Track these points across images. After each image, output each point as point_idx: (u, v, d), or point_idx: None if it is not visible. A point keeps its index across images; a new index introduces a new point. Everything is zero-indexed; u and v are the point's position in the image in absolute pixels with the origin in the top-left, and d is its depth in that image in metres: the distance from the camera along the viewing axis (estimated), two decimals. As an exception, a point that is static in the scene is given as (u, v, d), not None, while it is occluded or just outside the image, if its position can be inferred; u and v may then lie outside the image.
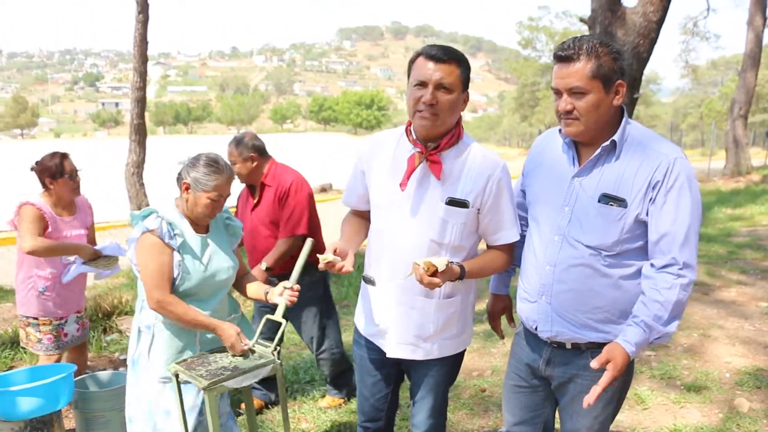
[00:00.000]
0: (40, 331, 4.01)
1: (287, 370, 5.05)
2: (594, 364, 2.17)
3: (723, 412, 4.22)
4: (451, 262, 2.35)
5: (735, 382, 4.67)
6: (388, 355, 2.65)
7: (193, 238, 2.87)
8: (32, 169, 3.95)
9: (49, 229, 3.89)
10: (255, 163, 4.12)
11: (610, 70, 2.18)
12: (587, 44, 2.17)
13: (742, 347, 5.38)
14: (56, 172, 3.89)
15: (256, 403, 4.32)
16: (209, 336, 2.89)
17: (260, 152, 4.16)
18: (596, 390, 2.14)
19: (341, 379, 4.47)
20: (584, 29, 7.22)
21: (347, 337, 5.85)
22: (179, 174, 2.85)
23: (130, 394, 2.96)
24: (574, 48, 2.18)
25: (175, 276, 2.80)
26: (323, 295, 4.29)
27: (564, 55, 2.20)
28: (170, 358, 2.84)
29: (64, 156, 3.97)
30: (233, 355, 2.75)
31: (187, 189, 2.82)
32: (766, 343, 5.43)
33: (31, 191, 4.00)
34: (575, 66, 2.17)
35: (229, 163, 2.96)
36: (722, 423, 4.07)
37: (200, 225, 2.94)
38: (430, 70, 2.35)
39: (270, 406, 4.44)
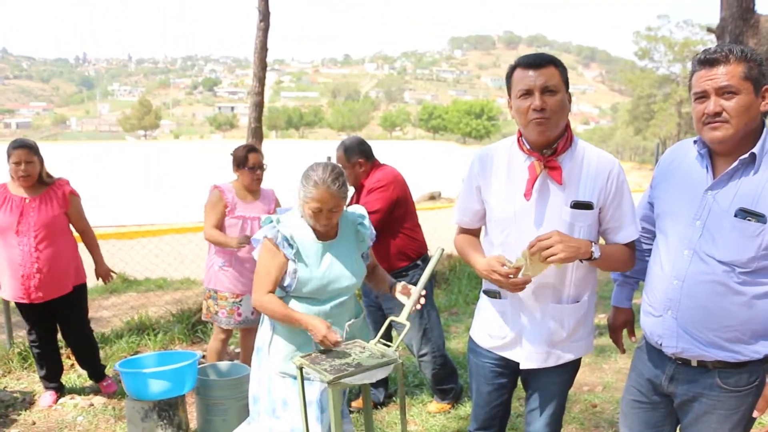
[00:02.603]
0: (218, 305, 4.51)
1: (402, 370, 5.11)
2: (756, 414, 2.23)
3: None
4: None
5: None
6: (522, 367, 2.67)
7: (312, 246, 2.93)
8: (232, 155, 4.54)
9: (228, 208, 4.41)
10: (362, 168, 4.22)
11: (759, 74, 2.14)
12: (735, 49, 2.14)
13: None
14: (240, 162, 4.46)
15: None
16: None
17: (367, 156, 4.24)
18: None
19: (446, 384, 4.49)
20: (708, 39, 6.95)
21: (456, 344, 5.89)
22: (299, 194, 2.92)
23: (253, 377, 3.13)
24: (723, 52, 2.15)
25: (288, 283, 2.91)
26: (425, 299, 4.30)
27: (712, 59, 2.16)
28: (288, 355, 2.96)
29: (250, 149, 4.48)
30: (359, 352, 2.82)
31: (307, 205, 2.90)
32: None
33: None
34: (726, 67, 2.14)
35: (339, 176, 2.87)
36: None
37: (329, 231, 2.99)
38: (532, 77, 2.39)
39: (379, 407, 4.51)
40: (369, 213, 4.02)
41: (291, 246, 2.87)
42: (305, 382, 2.85)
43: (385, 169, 4.28)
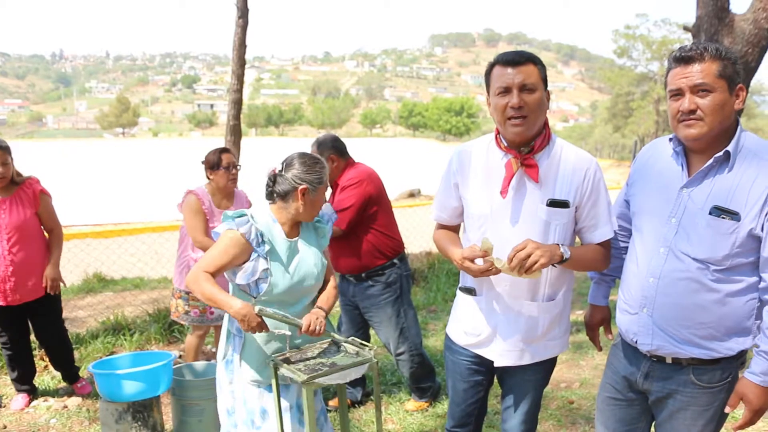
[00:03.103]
0: (189, 305, 4.50)
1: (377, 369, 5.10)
2: (728, 409, 2.27)
3: (828, 440, 4.02)
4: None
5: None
6: (495, 364, 2.66)
7: (283, 244, 2.87)
8: (202, 162, 4.49)
9: (206, 217, 4.40)
10: (335, 164, 4.19)
11: (733, 72, 2.15)
12: (710, 47, 2.15)
13: None
14: (214, 164, 4.42)
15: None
16: (298, 341, 2.91)
17: (340, 153, 4.21)
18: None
19: (423, 382, 4.48)
20: (685, 38, 7.00)
21: (434, 342, 5.88)
22: (293, 179, 2.82)
23: (225, 390, 3.00)
24: (698, 49, 2.15)
25: (259, 286, 2.81)
26: (399, 297, 4.29)
27: (687, 56, 2.17)
28: (261, 366, 2.88)
29: (223, 151, 4.46)
30: (334, 351, 2.78)
31: (304, 194, 2.82)
32: None
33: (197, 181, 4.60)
34: (701, 65, 2.15)
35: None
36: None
37: (295, 227, 2.95)
38: (511, 75, 2.38)
39: (356, 405, 4.50)
40: (341, 210, 4.00)
41: (264, 243, 2.80)
42: (283, 388, 2.82)
43: (358, 167, 4.26)
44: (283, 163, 2.87)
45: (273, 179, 2.87)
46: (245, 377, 2.92)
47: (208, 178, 4.47)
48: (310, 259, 2.95)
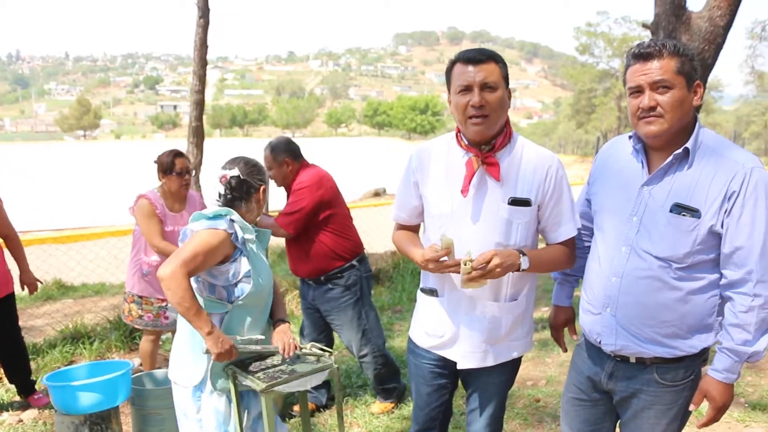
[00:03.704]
0: (142, 309, 4.44)
1: (340, 374, 5.05)
2: (692, 407, 2.27)
3: (790, 432, 4.06)
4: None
5: (802, 400, 4.50)
6: (459, 366, 2.62)
7: (256, 246, 2.84)
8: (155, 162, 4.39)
9: (162, 222, 4.32)
10: (290, 168, 4.13)
11: (691, 68, 2.14)
12: (668, 43, 2.13)
13: (809, 363, 5.17)
14: (167, 168, 4.33)
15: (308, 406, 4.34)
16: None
17: (294, 156, 4.14)
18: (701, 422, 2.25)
19: (388, 383, 4.44)
20: (645, 35, 7.06)
21: (400, 343, 5.84)
22: (251, 183, 2.78)
23: (191, 418, 2.80)
24: (657, 46, 2.14)
25: (239, 289, 2.71)
26: (360, 299, 4.25)
27: (646, 53, 2.15)
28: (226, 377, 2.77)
29: (177, 154, 4.37)
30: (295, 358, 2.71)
31: (263, 193, 2.83)
32: (835, 361, 5.22)
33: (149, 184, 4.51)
34: (660, 62, 2.13)
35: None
36: (789, 444, 3.92)
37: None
38: (472, 73, 2.34)
39: (321, 409, 4.44)
40: (289, 213, 3.95)
41: (249, 243, 2.74)
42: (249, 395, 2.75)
43: (311, 169, 4.19)
44: (233, 167, 2.79)
45: (230, 185, 2.78)
46: (216, 392, 2.75)
47: (160, 180, 4.38)
48: (265, 261, 2.90)
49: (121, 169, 45.14)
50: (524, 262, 2.39)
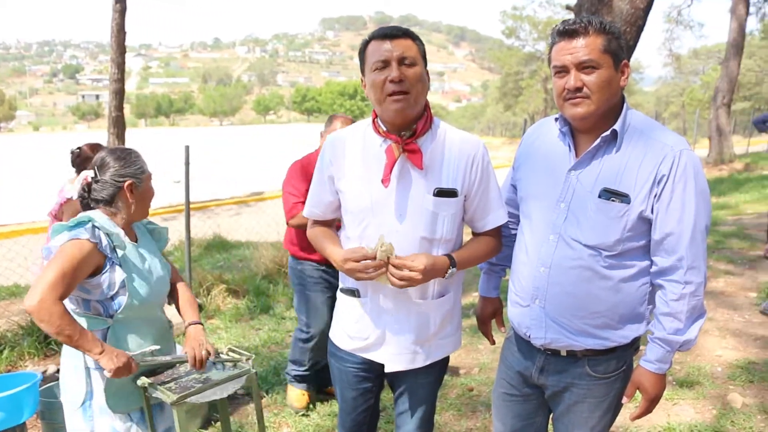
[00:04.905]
0: None
1: (268, 371, 4.87)
2: (624, 399, 2.20)
3: (716, 408, 4.11)
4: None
5: (727, 376, 4.58)
6: (387, 369, 2.46)
7: (132, 250, 2.54)
8: (72, 153, 3.88)
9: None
10: None
11: (618, 47, 2.03)
12: (594, 20, 2.02)
13: (733, 340, 5.28)
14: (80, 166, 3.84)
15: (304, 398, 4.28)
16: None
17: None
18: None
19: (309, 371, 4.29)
20: (569, 17, 7.10)
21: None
22: (113, 179, 2.48)
23: None
24: (582, 23, 2.02)
25: (117, 301, 2.43)
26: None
27: (571, 30, 2.03)
28: (131, 391, 2.51)
29: (94, 147, 3.91)
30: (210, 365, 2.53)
31: (132, 190, 2.50)
32: (756, 335, 5.34)
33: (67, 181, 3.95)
34: (585, 39, 2.01)
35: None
36: (716, 420, 3.96)
37: (131, 232, 2.61)
38: (389, 49, 2.18)
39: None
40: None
41: (115, 250, 2.44)
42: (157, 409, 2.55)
43: None
44: (94, 167, 2.50)
45: (87, 188, 2.50)
46: (115, 409, 2.50)
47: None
48: (156, 264, 2.63)
49: (41, 162, 43.39)
50: (452, 272, 2.28)
